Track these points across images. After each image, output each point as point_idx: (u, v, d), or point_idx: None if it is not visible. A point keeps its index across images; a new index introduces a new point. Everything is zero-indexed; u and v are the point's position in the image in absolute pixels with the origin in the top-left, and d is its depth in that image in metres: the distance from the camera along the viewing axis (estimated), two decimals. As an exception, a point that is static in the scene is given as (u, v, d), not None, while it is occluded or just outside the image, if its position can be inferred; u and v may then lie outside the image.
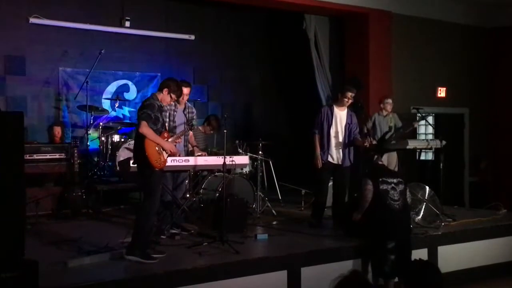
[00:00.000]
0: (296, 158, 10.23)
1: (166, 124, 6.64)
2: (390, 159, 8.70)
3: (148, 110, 5.61)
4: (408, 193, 6.53)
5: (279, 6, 9.86)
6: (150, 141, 5.58)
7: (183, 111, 7.03)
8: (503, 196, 8.67)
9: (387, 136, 8.54)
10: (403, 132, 8.84)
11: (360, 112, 8.12)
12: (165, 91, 5.83)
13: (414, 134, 10.88)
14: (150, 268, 5.37)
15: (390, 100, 9.05)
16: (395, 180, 6.34)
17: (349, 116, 7.38)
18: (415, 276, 3.43)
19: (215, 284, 5.42)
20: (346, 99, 7.31)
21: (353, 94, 7.33)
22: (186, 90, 6.91)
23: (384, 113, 9.05)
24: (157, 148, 5.64)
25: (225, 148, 6.58)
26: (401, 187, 6.33)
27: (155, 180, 5.69)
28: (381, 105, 9.09)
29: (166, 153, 5.81)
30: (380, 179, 6.28)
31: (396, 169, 8.61)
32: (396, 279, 6.16)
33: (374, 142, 8.22)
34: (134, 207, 8.37)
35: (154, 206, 5.68)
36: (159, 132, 5.74)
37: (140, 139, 5.58)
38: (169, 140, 5.98)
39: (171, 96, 5.90)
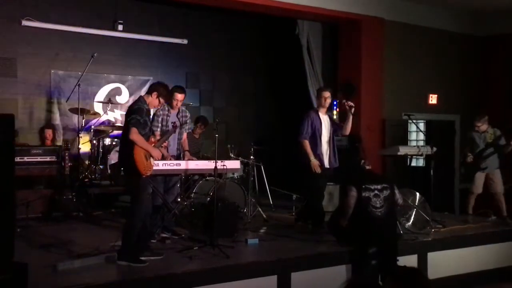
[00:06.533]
0: (288, 163, 10.24)
1: (158, 129, 6.66)
2: (493, 179, 8.38)
3: (137, 115, 5.56)
4: (398, 194, 6.55)
5: (272, 11, 9.88)
6: (139, 148, 5.55)
7: (177, 115, 7.02)
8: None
9: (484, 154, 8.30)
10: (502, 150, 8.33)
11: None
12: (154, 94, 5.82)
13: (405, 141, 10.94)
14: (141, 272, 5.36)
15: (478, 124, 8.40)
16: (379, 187, 6.33)
17: (330, 119, 7.50)
18: (401, 283, 3.42)
19: (205, 288, 5.43)
20: (323, 99, 7.36)
21: (328, 93, 7.40)
22: (180, 97, 6.90)
23: (480, 129, 8.44)
24: (145, 154, 5.62)
25: (216, 152, 6.59)
26: (385, 193, 6.33)
27: (142, 185, 5.68)
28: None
29: (154, 159, 5.81)
30: (363, 186, 6.28)
31: (501, 188, 8.36)
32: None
33: (469, 159, 8.32)
34: (124, 210, 8.34)
35: (141, 211, 5.65)
36: (147, 137, 5.72)
37: (129, 146, 5.54)
38: (156, 144, 5.97)
39: (159, 100, 5.89)
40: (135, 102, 5.82)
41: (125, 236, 5.64)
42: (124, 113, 9.81)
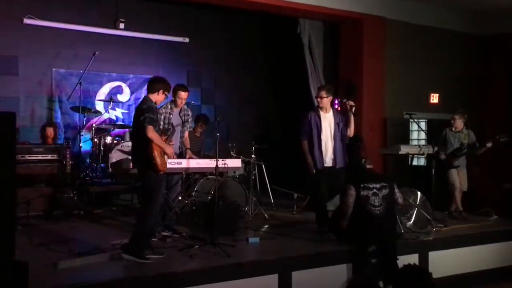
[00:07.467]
0: (289, 162, 10.24)
1: (160, 127, 6.68)
2: (460, 175, 8.40)
3: (150, 114, 5.68)
4: (398, 193, 6.55)
5: (274, 10, 9.87)
6: (156, 145, 5.66)
7: (179, 114, 7.04)
8: (493, 202, 8.70)
9: (459, 153, 8.33)
10: (476, 151, 8.41)
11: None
12: (160, 92, 5.94)
13: (407, 140, 10.93)
14: (141, 270, 5.36)
15: (455, 116, 8.52)
16: (378, 185, 6.35)
17: (336, 116, 7.37)
18: (407, 282, 3.42)
19: (206, 287, 5.41)
20: (318, 98, 7.35)
21: (324, 92, 7.33)
22: (184, 95, 6.95)
23: (455, 128, 8.51)
24: (160, 152, 5.74)
25: (217, 151, 6.58)
26: (384, 191, 6.35)
27: (158, 182, 5.81)
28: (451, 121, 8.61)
29: (168, 156, 5.91)
30: (362, 185, 6.30)
31: (465, 187, 8.46)
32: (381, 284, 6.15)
33: (443, 157, 8.30)
34: (130, 209, 8.37)
35: (156, 207, 5.79)
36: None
37: (146, 143, 5.64)
38: (166, 142, 6.03)
39: (165, 95, 6.03)
40: (143, 102, 5.90)
41: (139, 232, 5.70)
42: (126, 111, 9.97)
